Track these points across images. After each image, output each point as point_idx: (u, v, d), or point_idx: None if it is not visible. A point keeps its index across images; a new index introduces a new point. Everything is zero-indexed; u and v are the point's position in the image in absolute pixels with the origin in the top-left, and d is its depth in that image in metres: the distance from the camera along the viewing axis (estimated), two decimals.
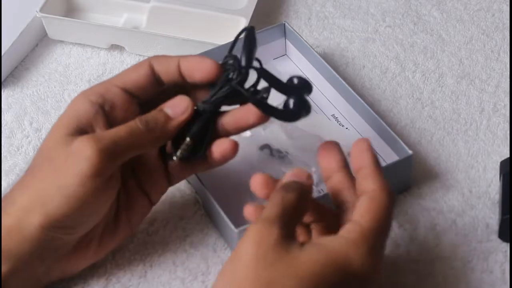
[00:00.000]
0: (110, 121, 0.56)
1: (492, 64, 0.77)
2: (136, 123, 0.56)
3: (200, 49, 0.73)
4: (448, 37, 0.81)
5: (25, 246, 0.53)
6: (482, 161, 0.68)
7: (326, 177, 0.56)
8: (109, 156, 0.54)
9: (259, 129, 0.66)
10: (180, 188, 0.66)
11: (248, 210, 0.54)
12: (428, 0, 0.85)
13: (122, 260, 0.61)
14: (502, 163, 0.65)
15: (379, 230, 0.51)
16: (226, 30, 0.79)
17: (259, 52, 0.75)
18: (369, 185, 0.53)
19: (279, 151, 0.66)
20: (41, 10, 0.79)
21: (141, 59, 0.79)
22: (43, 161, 0.55)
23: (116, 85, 0.57)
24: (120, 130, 0.55)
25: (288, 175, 0.54)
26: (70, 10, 0.84)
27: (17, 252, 0.53)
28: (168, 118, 0.57)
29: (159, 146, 0.58)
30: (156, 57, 0.59)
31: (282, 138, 0.66)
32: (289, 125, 0.67)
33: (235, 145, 0.57)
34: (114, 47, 0.81)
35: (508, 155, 0.68)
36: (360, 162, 0.54)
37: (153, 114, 0.57)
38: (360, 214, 0.51)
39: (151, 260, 0.61)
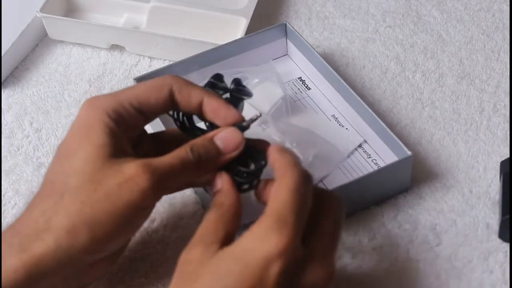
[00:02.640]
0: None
1: (492, 64, 0.77)
2: (188, 154, 0.53)
3: (200, 49, 0.73)
4: (448, 37, 0.81)
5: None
6: (482, 161, 0.68)
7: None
8: (161, 189, 0.53)
9: (256, 129, 0.66)
10: None
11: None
12: (428, 0, 0.85)
13: (122, 259, 0.61)
14: (502, 163, 0.65)
15: (285, 204, 0.48)
16: (226, 30, 0.79)
17: (260, 52, 0.76)
18: (276, 171, 0.50)
19: None
20: (41, 10, 0.79)
21: (142, 59, 0.80)
22: (85, 183, 0.52)
23: (134, 107, 0.55)
24: (173, 161, 0.53)
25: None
26: (70, 10, 0.84)
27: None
28: (219, 152, 0.54)
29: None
30: (178, 82, 0.56)
31: (277, 135, 0.66)
32: (283, 123, 0.67)
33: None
34: (114, 47, 0.81)
35: (508, 155, 0.68)
36: (272, 160, 0.52)
37: (205, 146, 0.54)
38: (269, 201, 0.49)
39: (151, 259, 0.61)
